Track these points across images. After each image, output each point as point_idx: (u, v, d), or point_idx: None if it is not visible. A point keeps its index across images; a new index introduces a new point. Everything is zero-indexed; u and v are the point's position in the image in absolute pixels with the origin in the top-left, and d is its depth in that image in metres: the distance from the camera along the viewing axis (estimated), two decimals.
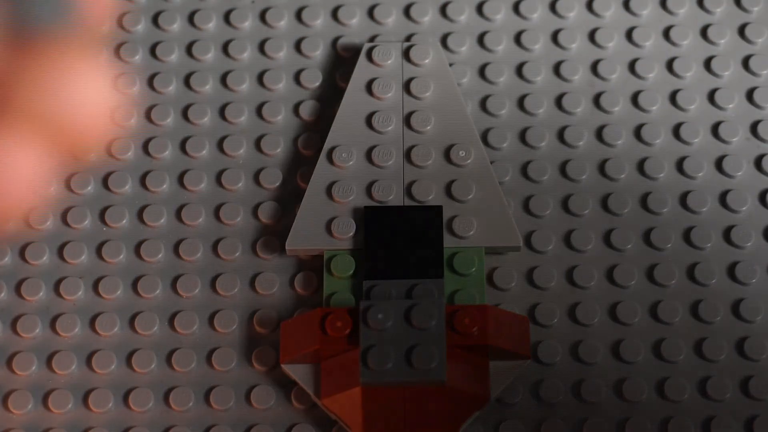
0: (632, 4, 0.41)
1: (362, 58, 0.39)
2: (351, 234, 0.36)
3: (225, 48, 0.40)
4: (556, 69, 0.40)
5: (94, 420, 0.35)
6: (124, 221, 0.37)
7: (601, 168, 0.38)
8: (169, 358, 0.35)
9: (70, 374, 0.35)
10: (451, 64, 0.40)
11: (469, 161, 0.37)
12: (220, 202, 0.38)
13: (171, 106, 0.39)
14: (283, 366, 0.34)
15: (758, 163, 0.38)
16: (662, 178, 0.38)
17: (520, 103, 0.39)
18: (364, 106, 0.38)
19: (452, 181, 0.37)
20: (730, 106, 0.39)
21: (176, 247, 0.37)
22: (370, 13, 0.41)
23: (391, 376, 0.32)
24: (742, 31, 0.40)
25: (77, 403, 0.35)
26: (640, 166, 0.38)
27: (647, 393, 0.35)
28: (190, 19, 0.41)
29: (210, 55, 0.40)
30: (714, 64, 0.40)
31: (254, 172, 0.38)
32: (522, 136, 0.39)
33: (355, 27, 0.41)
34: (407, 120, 0.38)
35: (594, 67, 0.40)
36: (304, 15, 0.41)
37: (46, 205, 0.37)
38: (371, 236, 0.36)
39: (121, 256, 0.37)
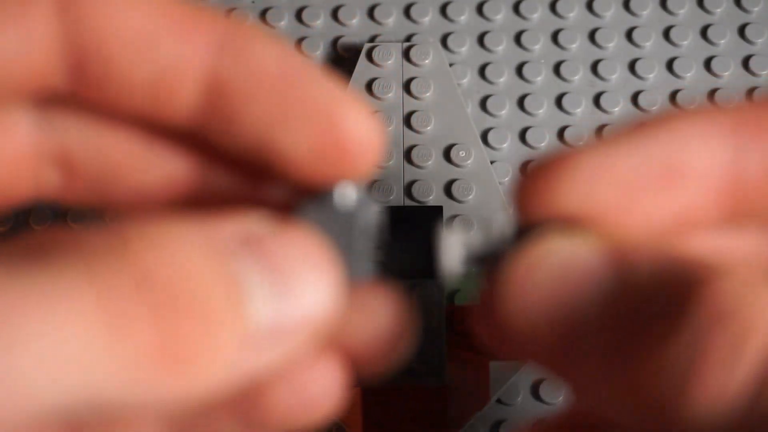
0: (632, 5, 0.41)
1: (362, 59, 0.39)
2: None
3: None
4: (556, 69, 0.40)
5: None
6: None
7: None
8: None
9: None
10: (451, 65, 0.40)
11: (469, 161, 0.37)
12: None
13: None
14: None
15: None
16: None
17: (520, 103, 0.39)
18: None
19: (452, 181, 0.37)
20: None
21: None
22: (370, 13, 0.41)
23: (391, 377, 0.32)
24: (742, 31, 0.40)
25: None
26: None
27: None
28: None
29: None
30: (714, 64, 0.40)
31: None
32: (522, 136, 0.39)
33: (355, 27, 0.41)
34: (407, 120, 0.38)
35: (594, 67, 0.40)
36: (305, 15, 0.41)
37: None
38: None
39: None
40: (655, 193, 0.17)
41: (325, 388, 0.19)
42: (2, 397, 0.14)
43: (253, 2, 0.41)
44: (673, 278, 0.16)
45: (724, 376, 0.15)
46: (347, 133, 0.18)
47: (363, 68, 0.39)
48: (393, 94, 0.39)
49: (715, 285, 0.15)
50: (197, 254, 0.16)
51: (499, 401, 0.34)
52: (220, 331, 0.16)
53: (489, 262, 0.18)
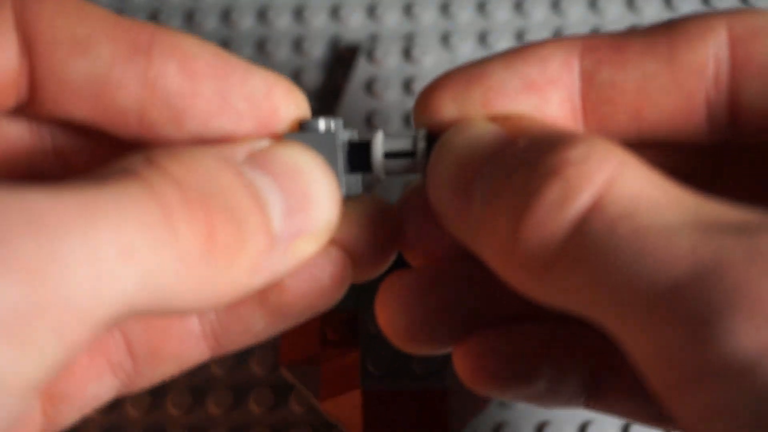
0: (635, 3, 0.41)
1: (362, 58, 0.39)
2: None
3: (224, 47, 0.40)
4: None
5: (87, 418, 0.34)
6: None
7: None
8: None
9: None
10: (451, 64, 0.39)
11: None
12: None
13: None
14: (282, 368, 0.34)
15: None
16: None
17: None
18: (364, 105, 0.38)
19: None
20: None
21: None
22: (370, 12, 0.41)
23: (392, 381, 0.32)
24: None
25: None
26: None
27: None
28: (189, 18, 0.41)
29: None
30: None
31: None
32: None
33: (355, 26, 0.41)
34: (407, 120, 0.38)
35: None
36: (305, 14, 0.41)
37: None
38: None
39: None
40: (519, 100, 0.21)
41: (330, 276, 0.22)
42: (90, 289, 0.16)
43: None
44: (543, 142, 0.19)
45: (548, 219, 0.18)
46: (279, 111, 0.22)
47: (363, 67, 0.39)
48: (393, 93, 0.38)
49: (566, 147, 0.19)
50: (214, 164, 0.19)
51: (500, 403, 0.34)
52: (251, 229, 0.19)
53: (405, 155, 0.23)
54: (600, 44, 0.21)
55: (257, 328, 0.23)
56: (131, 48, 0.21)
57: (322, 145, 0.22)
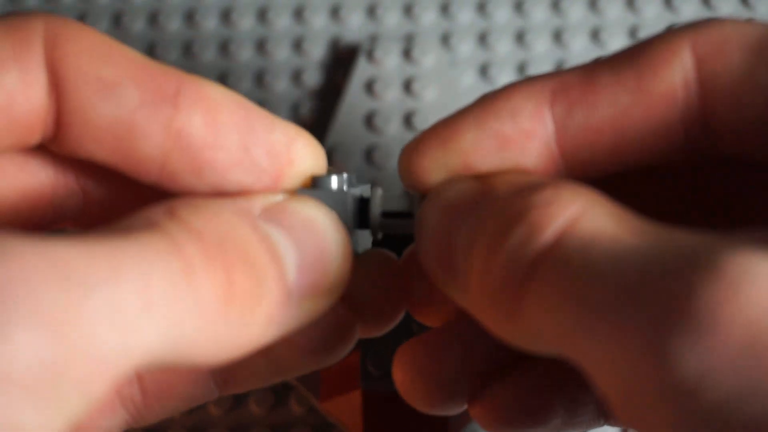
0: (636, 4, 0.41)
1: (362, 58, 0.39)
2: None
3: (224, 47, 0.40)
4: (558, 69, 0.40)
5: None
6: None
7: None
8: None
9: None
10: (451, 64, 0.39)
11: None
12: None
13: None
14: None
15: None
16: None
17: None
18: (364, 106, 0.38)
19: None
20: None
21: None
22: (370, 12, 0.41)
23: (392, 381, 0.32)
24: None
25: None
26: None
27: None
28: (189, 18, 0.41)
29: (208, 55, 0.40)
30: None
31: None
32: None
33: (355, 26, 0.41)
34: (407, 120, 0.38)
35: None
36: (304, 14, 0.41)
37: None
38: None
39: None
40: (497, 157, 0.21)
41: (335, 333, 0.23)
42: (114, 336, 0.16)
43: None
44: (514, 192, 0.20)
45: (513, 259, 0.18)
46: (296, 164, 0.22)
47: (363, 68, 0.39)
48: (393, 93, 0.38)
49: (532, 193, 0.19)
50: (233, 218, 0.19)
51: None
52: (268, 284, 0.19)
53: (399, 216, 0.23)
54: (568, 85, 0.21)
55: (262, 375, 0.23)
56: (157, 95, 0.20)
57: (334, 201, 0.22)
